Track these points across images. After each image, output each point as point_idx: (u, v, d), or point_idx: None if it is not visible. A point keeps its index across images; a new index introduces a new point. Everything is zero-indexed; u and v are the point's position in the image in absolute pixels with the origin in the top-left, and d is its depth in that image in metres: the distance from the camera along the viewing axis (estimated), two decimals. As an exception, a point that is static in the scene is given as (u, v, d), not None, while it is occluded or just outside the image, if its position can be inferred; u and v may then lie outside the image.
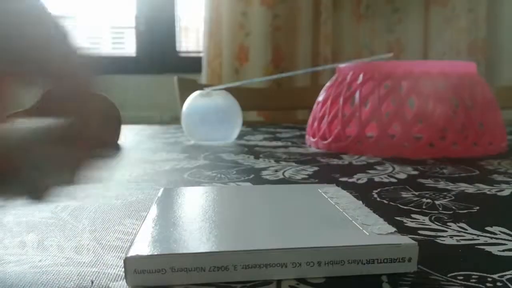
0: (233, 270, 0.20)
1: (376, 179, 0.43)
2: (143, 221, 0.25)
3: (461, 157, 0.56)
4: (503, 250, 0.24)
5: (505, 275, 0.21)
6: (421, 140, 0.56)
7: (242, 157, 0.57)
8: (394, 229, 0.23)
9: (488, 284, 0.20)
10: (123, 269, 0.20)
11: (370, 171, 0.47)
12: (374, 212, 0.26)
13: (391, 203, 0.34)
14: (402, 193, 0.38)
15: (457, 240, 0.26)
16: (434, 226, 0.28)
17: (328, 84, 0.68)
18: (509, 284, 0.20)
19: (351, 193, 0.38)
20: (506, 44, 1.60)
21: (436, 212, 0.32)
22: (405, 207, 0.33)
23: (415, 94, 0.58)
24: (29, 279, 0.21)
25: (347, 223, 0.25)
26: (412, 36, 1.54)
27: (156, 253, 0.20)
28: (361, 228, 0.23)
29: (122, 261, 0.20)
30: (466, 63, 0.62)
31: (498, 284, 0.20)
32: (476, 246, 0.25)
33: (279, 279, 0.21)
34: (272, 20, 1.47)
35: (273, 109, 1.44)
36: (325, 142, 0.63)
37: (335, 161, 0.53)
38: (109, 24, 1.67)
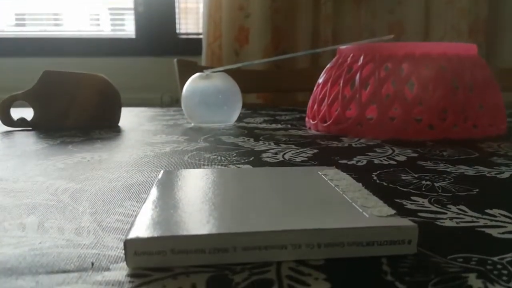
0: (233, 252, 0.20)
1: (376, 161, 0.43)
2: (143, 203, 0.25)
3: (461, 139, 0.56)
4: (503, 233, 0.24)
5: (505, 257, 0.21)
6: (421, 122, 0.56)
7: (242, 139, 0.57)
8: (394, 211, 0.23)
9: (488, 267, 0.20)
10: (123, 251, 0.20)
11: (369, 154, 0.47)
12: (374, 194, 0.26)
13: (390, 185, 0.34)
14: (402, 175, 0.38)
15: (457, 223, 0.26)
16: (433, 208, 0.29)
17: (328, 66, 0.68)
18: (509, 267, 0.20)
19: (350, 175, 0.38)
20: (507, 25, 1.58)
21: (435, 194, 0.32)
22: (405, 189, 0.33)
23: (415, 76, 0.58)
24: (29, 261, 0.21)
25: (347, 205, 0.25)
26: (412, 17, 1.53)
27: (156, 235, 0.20)
28: (360, 210, 0.23)
29: (122, 243, 0.20)
30: (467, 44, 0.61)
31: (498, 266, 0.20)
32: (476, 229, 0.25)
33: (279, 261, 0.21)
34: (272, 1, 1.45)
35: (273, 91, 1.43)
36: (325, 124, 0.62)
37: (335, 144, 0.53)
38: (108, 6, 1.65)
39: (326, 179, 0.30)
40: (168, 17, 1.62)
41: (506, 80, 1.14)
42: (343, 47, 0.66)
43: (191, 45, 1.61)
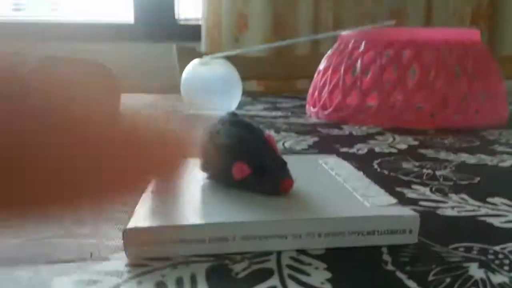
0: (233, 241, 0.20)
1: (377, 149, 0.43)
2: (143, 193, 0.25)
3: (462, 127, 0.55)
4: (505, 222, 0.24)
5: (507, 247, 0.21)
6: (422, 110, 0.56)
7: (241, 127, 0.56)
8: (395, 201, 0.23)
9: (490, 256, 0.20)
10: (123, 240, 0.20)
11: (370, 141, 0.47)
12: (375, 183, 0.26)
13: (391, 173, 0.34)
14: (403, 163, 0.37)
15: (458, 212, 0.26)
16: (435, 197, 0.28)
17: (329, 52, 0.67)
18: (511, 256, 0.20)
19: (351, 163, 0.37)
20: (510, 12, 1.57)
21: (436, 183, 0.32)
22: (406, 178, 0.33)
23: (417, 63, 0.57)
24: (28, 251, 0.21)
25: (348, 194, 0.24)
26: (414, 3, 1.51)
27: (155, 225, 0.20)
28: (361, 199, 0.23)
29: (122, 232, 0.20)
30: (470, 30, 0.60)
31: (500, 256, 0.20)
32: (477, 218, 0.25)
33: (279, 250, 0.20)
34: (272, -13, 1.43)
35: (273, 78, 1.42)
36: (326, 112, 0.62)
37: (335, 131, 0.53)
38: (105, -10, 1.63)
39: (327, 168, 0.30)
40: (167, 2, 1.61)
41: (508, 67, 1.13)
42: (344, 33, 0.65)
43: (191, 31, 1.59)
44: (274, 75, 1.33)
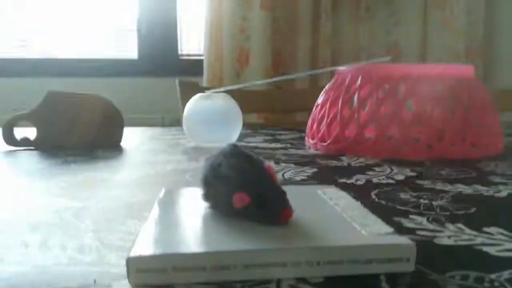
0: (233, 269, 0.21)
1: (375, 180, 0.44)
2: (145, 221, 0.25)
3: (459, 158, 0.56)
4: (501, 250, 0.24)
5: (502, 274, 0.21)
6: (419, 142, 0.57)
7: (242, 159, 0.57)
8: (392, 230, 0.23)
9: (486, 284, 0.20)
10: (126, 268, 0.20)
11: (368, 173, 0.47)
12: (372, 212, 0.27)
13: (389, 203, 0.35)
14: (400, 194, 0.38)
15: (455, 241, 0.26)
16: (431, 226, 0.29)
17: (327, 87, 0.69)
18: (506, 284, 0.20)
19: (349, 194, 0.38)
20: (504, 47, 1.60)
21: (433, 213, 0.32)
22: (403, 208, 0.33)
23: (413, 97, 0.58)
24: (31, 279, 0.21)
25: (346, 223, 0.25)
26: (410, 38, 1.55)
27: (158, 253, 0.20)
28: (359, 228, 0.24)
29: (125, 260, 0.20)
30: (464, 66, 0.62)
31: (496, 284, 0.20)
32: (473, 247, 0.25)
33: (279, 279, 0.21)
34: (272, 24, 1.47)
35: (273, 111, 1.44)
36: (324, 144, 0.63)
37: (334, 163, 0.54)
38: (111, 27, 1.67)
39: (325, 198, 0.31)
40: (170, 38, 1.65)
41: (503, 101, 1.15)
42: (341, 68, 0.67)
43: (193, 66, 1.63)
44: (273, 108, 1.35)
